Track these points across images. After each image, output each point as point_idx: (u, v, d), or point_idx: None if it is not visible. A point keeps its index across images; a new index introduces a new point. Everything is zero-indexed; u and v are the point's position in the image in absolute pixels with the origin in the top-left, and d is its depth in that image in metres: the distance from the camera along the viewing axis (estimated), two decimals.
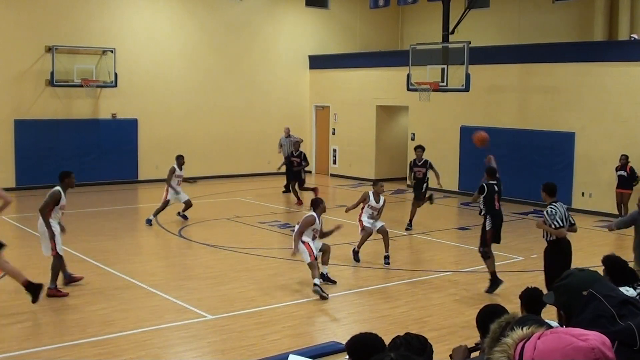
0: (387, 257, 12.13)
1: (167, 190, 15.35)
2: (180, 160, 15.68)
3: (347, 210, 12.55)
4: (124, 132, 21.44)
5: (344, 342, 4.91)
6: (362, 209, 12.35)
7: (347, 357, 3.84)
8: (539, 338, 2.12)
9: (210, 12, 22.82)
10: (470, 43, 17.18)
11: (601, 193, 16.97)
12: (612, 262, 5.67)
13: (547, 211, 8.89)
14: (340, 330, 8.57)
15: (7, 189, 19.36)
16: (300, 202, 18.38)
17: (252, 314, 9.25)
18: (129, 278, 10.93)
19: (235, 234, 14.85)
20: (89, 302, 9.63)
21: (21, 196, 19.19)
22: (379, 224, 12.25)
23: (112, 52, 20.57)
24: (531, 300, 5.16)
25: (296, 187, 18.72)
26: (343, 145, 24.15)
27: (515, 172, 19.02)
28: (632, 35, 18.48)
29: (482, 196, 11.02)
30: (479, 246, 10.67)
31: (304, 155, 18.91)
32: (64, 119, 20.46)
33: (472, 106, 19.81)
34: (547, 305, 5.28)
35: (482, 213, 10.99)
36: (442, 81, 17.49)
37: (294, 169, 18.68)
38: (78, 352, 7.83)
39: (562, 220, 8.80)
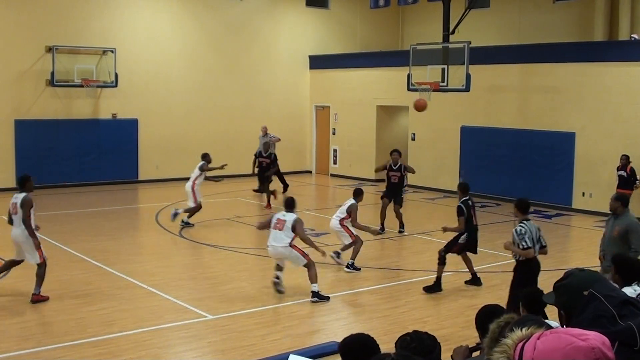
0: (338, 253, 11.96)
1: (196, 191, 15.21)
2: (208, 158, 15.69)
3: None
4: (124, 132, 21.44)
5: None
6: (356, 224, 11.94)
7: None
8: (538, 338, 2.12)
9: (211, 12, 22.82)
10: (470, 43, 17.17)
11: (601, 193, 16.95)
12: (621, 260, 5.67)
13: (515, 230, 8.37)
14: (340, 330, 8.57)
15: (7, 189, 19.46)
16: (269, 204, 17.78)
17: (252, 314, 9.25)
18: (129, 278, 10.93)
19: (235, 234, 14.85)
20: (89, 302, 9.63)
21: None
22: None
23: (112, 52, 20.57)
24: (532, 300, 5.16)
25: (277, 187, 18.55)
26: (343, 145, 24.14)
27: (515, 172, 19.03)
28: (632, 35, 18.47)
29: (465, 217, 10.72)
30: (442, 249, 10.50)
31: (275, 156, 18.45)
32: (64, 119, 20.46)
33: (473, 106, 19.81)
34: (547, 305, 5.29)
35: (460, 233, 10.69)
36: (443, 81, 17.48)
37: (265, 172, 18.23)
38: (78, 352, 7.83)
39: (531, 240, 8.28)
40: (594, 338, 2.06)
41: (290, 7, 24.41)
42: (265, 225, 10.21)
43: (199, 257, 12.64)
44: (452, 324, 8.88)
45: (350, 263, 11.68)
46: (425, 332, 3.71)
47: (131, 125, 21.57)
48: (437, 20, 19.09)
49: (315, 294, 9.78)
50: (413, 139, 21.92)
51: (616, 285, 3.72)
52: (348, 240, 11.80)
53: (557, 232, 15.62)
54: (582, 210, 17.42)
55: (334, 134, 24.51)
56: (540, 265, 8.45)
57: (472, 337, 6.18)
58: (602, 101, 17.16)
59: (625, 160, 15.92)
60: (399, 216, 15.16)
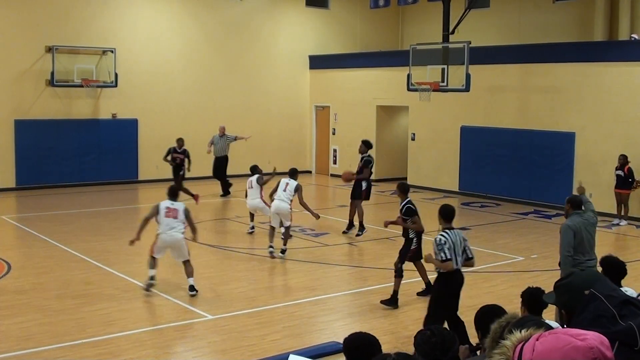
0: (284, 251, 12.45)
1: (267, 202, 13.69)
2: (259, 169, 14.74)
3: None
4: (124, 132, 21.44)
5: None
6: (303, 204, 12.83)
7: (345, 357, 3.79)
8: (537, 339, 2.13)
9: (211, 12, 22.82)
10: (470, 43, 17.18)
11: (601, 193, 16.95)
12: (609, 263, 5.66)
13: (435, 239, 7.62)
14: (340, 330, 8.56)
15: (7, 189, 19.48)
16: (196, 195, 17.62)
17: (252, 314, 9.26)
18: (129, 278, 10.93)
19: (235, 234, 14.84)
20: (89, 302, 9.64)
21: (21, 196, 19.22)
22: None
23: (112, 52, 20.57)
24: (533, 300, 5.16)
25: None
26: (343, 146, 24.14)
27: (515, 172, 19.03)
28: (632, 35, 18.47)
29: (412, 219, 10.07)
30: (398, 261, 9.77)
31: (188, 153, 18.24)
32: (64, 119, 20.46)
33: (473, 106, 19.81)
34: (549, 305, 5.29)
35: (411, 235, 10.09)
36: (443, 81, 17.48)
37: (179, 168, 18.04)
38: (78, 352, 7.83)
39: (452, 251, 7.52)
40: (593, 338, 2.07)
41: (290, 7, 24.41)
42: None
43: (199, 257, 12.63)
44: None
45: (283, 249, 12.39)
46: (445, 328, 3.69)
47: (131, 125, 21.57)
48: (437, 20, 19.09)
49: (192, 288, 10.04)
50: (413, 139, 21.92)
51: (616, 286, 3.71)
52: (289, 222, 12.59)
53: (557, 232, 15.55)
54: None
55: (333, 134, 24.51)
56: (464, 279, 7.77)
57: (471, 337, 6.19)
58: (602, 101, 17.17)
59: (623, 160, 15.93)
60: (358, 213, 14.49)
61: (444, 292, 7.66)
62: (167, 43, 22.06)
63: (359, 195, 14.49)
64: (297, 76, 24.80)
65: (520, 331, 2.24)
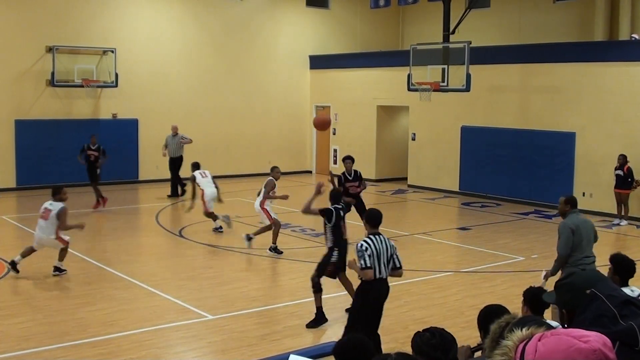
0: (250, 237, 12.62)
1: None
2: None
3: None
4: (124, 132, 21.43)
5: None
6: (266, 197, 12.60)
7: None
8: (539, 340, 2.11)
9: (211, 12, 22.82)
10: (470, 43, 17.18)
11: (602, 193, 16.96)
12: (619, 261, 5.64)
13: (357, 245, 7.14)
14: (340, 330, 8.54)
15: (7, 189, 19.48)
16: (98, 203, 17.17)
17: (252, 314, 9.25)
18: (129, 278, 10.93)
19: (236, 234, 14.83)
20: (89, 302, 9.63)
21: (21, 196, 19.22)
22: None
23: (112, 52, 20.56)
24: (535, 299, 5.15)
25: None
26: (343, 146, 24.12)
27: (515, 172, 19.03)
28: (632, 35, 18.47)
29: (331, 224, 9.07)
30: (314, 275, 8.92)
31: (103, 150, 17.52)
32: (64, 119, 20.46)
33: (473, 106, 19.81)
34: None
35: (330, 245, 9.12)
36: (443, 81, 17.48)
37: (94, 165, 17.46)
38: (78, 352, 7.83)
39: (374, 259, 7.00)
40: (595, 339, 2.06)
41: (290, 7, 24.40)
42: None
43: (199, 257, 12.63)
44: (453, 324, 8.86)
45: (272, 247, 12.48)
46: (443, 329, 3.65)
47: (131, 125, 21.56)
48: (438, 20, 19.09)
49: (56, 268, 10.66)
50: (413, 139, 21.92)
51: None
52: (267, 221, 12.62)
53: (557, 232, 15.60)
54: (583, 211, 17.22)
55: (334, 134, 24.50)
56: (388, 291, 7.23)
57: (473, 337, 6.18)
58: (602, 101, 17.16)
59: (623, 159, 15.93)
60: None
61: (362, 303, 7.13)
62: (168, 43, 22.06)
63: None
64: (298, 76, 24.79)
65: (522, 330, 2.23)
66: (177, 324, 8.87)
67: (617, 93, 16.88)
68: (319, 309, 8.80)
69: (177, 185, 19.25)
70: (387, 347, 7.45)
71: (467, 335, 7.75)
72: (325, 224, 9.17)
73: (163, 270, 11.77)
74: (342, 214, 9.20)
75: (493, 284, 11.00)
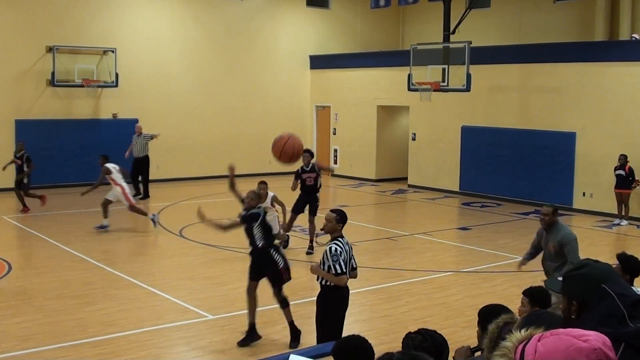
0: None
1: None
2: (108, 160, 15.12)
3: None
4: (124, 132, 21.38)
5: None
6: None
7: None
8: (539, 340, 2.11)
9: (211, 12, 22.82)
10: (471, 43, 17.18)
11: (602, 193, 16.96)
12: (626, 259, 5.61)
13: (329, 249, 6.79)
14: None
15: (7, 189, 19.46)
16: (26, 208, 16.80)
17: None
18: (129, 278, 10.92)
19: (236, 234, 14.81)
20: (89, 302, 9.63)
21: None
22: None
23: (112, 52, 20.57)
24: (539, 297, 5.16)
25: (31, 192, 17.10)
26: (344, 146, 24.14)
27: (515, 172, 19.03)
28: (632, 35, 18.47)
29: (256, 224, 8.20)
30: (276, 292, 8.24)
31: (27, 157, 16.94)
32: (64, 119, 20.47)
33: (473, 106, 19.81)
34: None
35: (262, 245, 8.29)
36: (443, 81, 17.48)
37: (21, 175, 16.85)
38: (78, 352, 7.83)
39: (344, 265, 6.76)
40: (595, 339, 2.05)
41: (290, 7, 24.40)
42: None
43: (199, 257, 12.63)
44: (453, 324, 8.87)
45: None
46: (434, 331, 3.60)
47: (132, 126, 21.50)
48: (438, 20, 19.09)
49: None
50: (413, 139, 21.92)
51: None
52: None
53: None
54: (583, 210, 17.41)
55: (334, 134, 24.50)
56: (349, 292, 7.11)
57: (473, 337, 6.17)
58: (602, 101, 17.16)
59: (624, 159, 15.93)
60: (311, 230, 12.91)
61: (333, 307, 6.90)
62: (168, 43, 22.06)
63: (316, 209, 12.94)
64: (298, 76, 24.79)
65: (521, 331, 2.22)
66: (177, 324, 8.86)
67: (617, 93, 16.88)
68: (291, 323, 8.12)
69: (144, 185, 18.84)
70: (387, 347, 7.42)
71: (467, 335, 7.75)
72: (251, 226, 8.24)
73: (163, 270, 11.77)
74: (247, 214, 8.27)
75: (493, 284, 11.00)
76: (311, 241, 12.90)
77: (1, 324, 8.74)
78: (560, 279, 3.07)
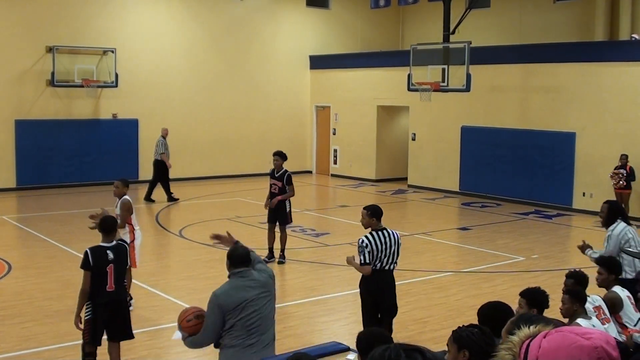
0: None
1: None
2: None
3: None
4: (124, 132, 21.44)
5: (344, 342, 4.90)
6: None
7: (357, 352, 3.85)
8: (544, 337, 2.11)
9: (211, 12, 22.82)
10: (471, 43, 17.18)
11: (602, 193, 16.94)
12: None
13: (358, 240, 7.31)
14: (340, 331, 8.56)
15: (7, 189, 19.48)
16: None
17: None
18: None
19: (236, 234, 14.80)
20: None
21: (22, 196, 19.22)
22: None
23: (112, 52, 20.57)
24: (535, 300, 5.17)
25: None
26: (344, 146, 24.14)
27: (515, 172, 19.04)
28: (632, 35, 18.47)
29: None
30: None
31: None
32: (64, 119, 20.47)
33: (473, 106, 19.81)
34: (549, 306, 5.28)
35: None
36: (443, 81, 17.48)
37: None
38: (78, 352, 7.82)
39: (372, 256, 7.18)
40: (598, 337, 2.06)
41: (290, 7, 24.41)
42: None
43: (199, 257, 12.63)
44: (453, 324, 8.83)
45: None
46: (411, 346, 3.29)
47: (131, 126, 21.56)
48: (438, 20, 19.10)
49: None
50: (413, 139, 21.92)
51: None
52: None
53: (557, 232, 15.64)
54: (583, 211, 17.41)
55: (334, 134, 24.51)
56: (393, 281, 7.55)
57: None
58: (602, 101, 17.17)
59: (625, 159, 15.94)
60: (281, 239, 11.98)
61: (361, 292, 7.53)
62: (168, 43, 22.06)
63: (285, 219, 11.94)
64: (298, 76, 24.79)
65: (529, 327, 2.22)
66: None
67: (617, 93, 16.88)
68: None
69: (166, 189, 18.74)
70: None
71: None
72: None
73: (163, 270, 11.77)
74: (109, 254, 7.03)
75: (493, 284, 11.00)
76: (282, 250, 11.96)
77: (2, 324, 8.74)
78: None
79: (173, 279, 11.05)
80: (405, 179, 22.32)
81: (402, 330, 8.64)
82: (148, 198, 18.56)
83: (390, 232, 7.34)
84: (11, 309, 9.37)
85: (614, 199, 16.18)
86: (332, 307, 9.74)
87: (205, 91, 22.82)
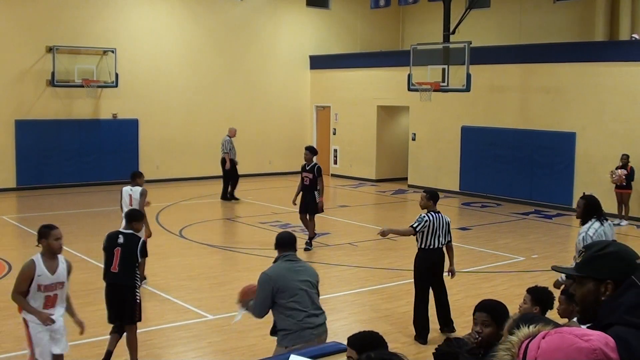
0: None
1: None
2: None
3: None
4: (124, 132, 21.44)
5: (344, 342, 4.89)
6: None
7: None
8: (543, 337, 2.10)
9: (211, 12, 22.82)
10: (471, 43, 17.18)
11: (602, 193, 16.82)
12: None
13: (422, 214, 8.44)
14: (340, 330, 8.55)
15: (7, 189, 19.48)
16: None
17: None
18: None
19: (236, 234, 14.84)
20: (89, 302, 9.62)
21: (22, 196, 19.23)
22: None
23: (112, 52, 20.57)
24: (540, 298, 5.17)
25: None
26: (344, 146, 24.14)
27: (516, 172, 19.04)
28: (632, 35, 18.47)
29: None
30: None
31: None
32: (64, 119, 20.47)
33: (473, 106, 19.81)
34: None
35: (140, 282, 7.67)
36: (443, 81, 17.48)
37: None
38: (78, 352, 7.82)
39: (429, 230, 8.34)
40: (597, 339, 2.05)
41: (290, 7, 24.41)
42: None
43: (199, 257, 12.63)
44: (454, 324, 8.87)
45: None
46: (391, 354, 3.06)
47: (132, 126, 21.57)
48: (438, 20, 19.10)
49: None
50: (413, 139, 21.92)
51: None
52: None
53: (557, 232, 15.63)
54: None
55: (334, 134, 24.51)
56: (442, 256, 8.78)
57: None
58: (602, 101, 17.16)
59: (626, 159, 15.93)
60: (310, 227, 13.00)
61: (415, 267, 8.84)
62: (168, 43, 22.07)
63: (315, 209, 12.93)
64: (298, 76, 24.80)
65: (529, 327, 2.21)
66: (177, 324, 8.86)
67: (617, 93, 16.88)
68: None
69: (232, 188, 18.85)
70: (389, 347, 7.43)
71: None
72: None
73: (163, 270, 11.77)
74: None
75: (493, 284, 11.00)
76: (310, 238, 12.97)
77: (2, 324, 8.74)
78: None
79: (173, 279, 11.04)
80: (405, 179, 22.32)
81: (403, 330, 8.64)
82: (225, 197, 18.60)
83: (442, 216, 8.49)
84: (11, 309, 9.35)
85: (614, 198, 16.20)
86: (332, 307, 9.73)
87: (205, 91, 22.82)
